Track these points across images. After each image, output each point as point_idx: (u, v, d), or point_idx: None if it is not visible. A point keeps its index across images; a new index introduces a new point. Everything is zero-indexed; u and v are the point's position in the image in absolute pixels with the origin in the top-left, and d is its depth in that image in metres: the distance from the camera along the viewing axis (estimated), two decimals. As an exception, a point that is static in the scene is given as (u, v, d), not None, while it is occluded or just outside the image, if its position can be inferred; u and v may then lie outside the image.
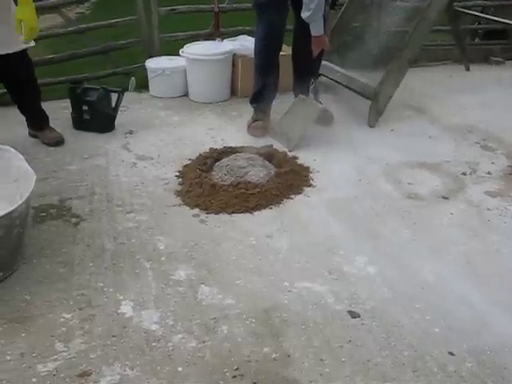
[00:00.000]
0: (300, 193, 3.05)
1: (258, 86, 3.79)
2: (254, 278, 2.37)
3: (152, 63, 4.51)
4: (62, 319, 2.12)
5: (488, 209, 2.92)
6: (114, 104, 3.86)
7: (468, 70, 5.26)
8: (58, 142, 3.60)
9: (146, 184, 3.13)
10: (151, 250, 2.55)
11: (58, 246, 2.57)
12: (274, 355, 1.97)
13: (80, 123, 3.84)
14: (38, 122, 3.63)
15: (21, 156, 2.61)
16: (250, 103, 3.90)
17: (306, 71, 3.74)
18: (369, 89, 3.92)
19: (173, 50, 4.65)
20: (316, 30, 3.39)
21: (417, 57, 4.13)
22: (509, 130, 3.86)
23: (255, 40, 3.77)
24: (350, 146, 3.61)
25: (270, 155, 3.35)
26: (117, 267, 2.43)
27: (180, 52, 4.44)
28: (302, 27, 3.45)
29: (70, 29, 4.62)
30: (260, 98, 3.82)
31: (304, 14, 3.32)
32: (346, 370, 1.92)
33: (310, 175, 3.23)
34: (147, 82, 4.53)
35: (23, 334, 2.05)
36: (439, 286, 2.33)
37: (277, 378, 1.88)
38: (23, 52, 3.29)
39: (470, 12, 5.34)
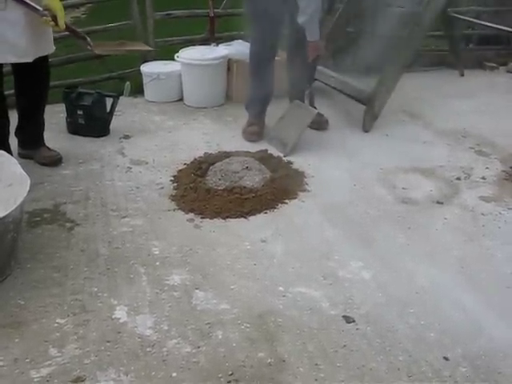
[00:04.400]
0: (295, 198, 3.05)
1: (253, 91, 3.79)
2: (248, 283, 2.36)
3: (147, 68, 4.51)
4: (55, 324, 2.11)
5: (482, 214, 2.93)
6: (108, 108, 3.85)
7: (462, 75, 5.28)
8: (57, 161, 3.36)
9: (141, 189, 3.13)
10: (146, 255, 2.55)
11: (53, 250, 2.56)
12: (268, 360, 1.97)
13: (75, 128, 3.83)
14: (36, 139, 3.38)
15: (15, 160, 2.60)
16: (246, 108, 3.90)
17: (301, 77, 3.75)
18: (364, 94, 3.93)
19: (168, 54, 4.65)
20: (312, 35, 3.39)
21: (411, 62, 4.14)
22: (503, 135, 3.87)
23: (250, 46, 3.76)
24: (344, 151, 3.61)
25: (264, 160, 3.34)
26: (111, 272, 2.42)
27: (175, 57, 4.44)
28: (297, 33, 3.45)
29: (65, 33, 4.60)
30: (255, 103, 3.82)
31: (300, 19, 3.32)
32: (341, 375, 1.91)
33: (305, 180, 3.23)
34: (142, 86, 4.53)
35: (17, 340, 2.04)
36: (434, 290, 2.33)
37: (272, 383, 1.88)
38: (46, 60, 3.17)
39: (464, 17, 5.36)
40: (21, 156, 3.36)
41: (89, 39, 3.19)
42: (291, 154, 3.52)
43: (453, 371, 1.94)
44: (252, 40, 3.74)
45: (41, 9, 2.86)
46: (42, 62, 3.10)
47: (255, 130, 3.78)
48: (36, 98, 3.30)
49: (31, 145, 3.39)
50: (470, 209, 2.97)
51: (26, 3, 2.85)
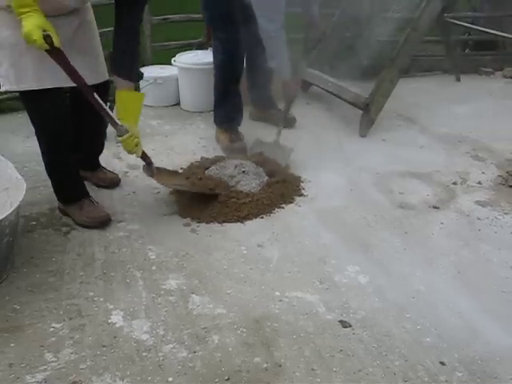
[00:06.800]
0: (291, 202, 3.05)
1: (229, 104, 3.62)
2: (245, 288, 2.36)
3: (144, 72, 4.50)
4: (51, 329, 2.11)
5: (478, 218, 2.93)
6: (105, 113, 3.83)
7: (458, 80, 5.29)
8: (115, 182, 3.20)
9: (138, 193, 3.12)
10: (142, 260, 2.54)
11: (49, 255, 2.55)
12: (265, 365, 1.97)
13: (71, 132, 3.82)
14: (95, 159, 3.20)
15: (11, 164, 2.59)
16: (219, 124, 3.72)
17: (263, 80, 3.77)
18: (360, 99, 3.94)
19: (165, 59, 4.66)
20: (285, 74, 3.32)
21: (408, 67, 4.15)
22: (499, 139, 3.89)
23: (215, 56, 3.56)
24: (341, 156, 3.62)
25: (260, 163, 3.31)
26: (107, 277, 2.42)
27: (172, 61, 4.45)
28: (255, 39, 3.31)
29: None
30: (233, 117, 3.68)
31: (272, 63, 3.25)
32: (338, 380, 1.91)
33: (302, 185, 3.23)
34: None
35: (12, 344, 2.04)
36: (430, 295, 2.34)
37: (268, 388, 1.88)
38: (108, 81, 2.88)
39: (460, 23, 5.38)
40: None
41: (154, 165, 2.82)
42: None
43: (449, 376, 1.94)
44: (215, 61, 3.57)
45: (119, 122, 2.54)
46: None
47: (243, 146, 3.58)
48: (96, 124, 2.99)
49: (88, 166, 3.18)
50: (467, 213, 2.97)
51: (106, 112, 2.55)
